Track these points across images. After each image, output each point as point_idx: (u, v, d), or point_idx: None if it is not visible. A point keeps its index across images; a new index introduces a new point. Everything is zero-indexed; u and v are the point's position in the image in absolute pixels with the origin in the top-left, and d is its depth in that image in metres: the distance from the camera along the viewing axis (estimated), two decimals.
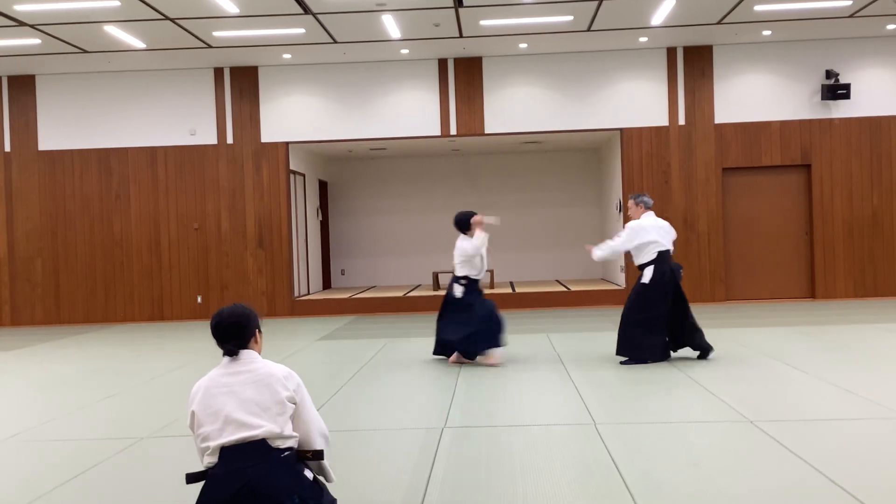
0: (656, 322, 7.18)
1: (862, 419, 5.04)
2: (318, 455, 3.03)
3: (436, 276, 14.22)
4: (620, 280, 13.13)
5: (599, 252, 7.42)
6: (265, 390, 2.90)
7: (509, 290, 13.34)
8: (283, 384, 2.95)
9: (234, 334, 3.00)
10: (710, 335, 8.86)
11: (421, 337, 9.79)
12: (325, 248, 15.71)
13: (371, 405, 5.97)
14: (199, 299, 12.85)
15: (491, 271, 14.22)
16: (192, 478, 2.93)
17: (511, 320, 11.10)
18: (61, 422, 5.78)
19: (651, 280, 7.16)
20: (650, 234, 7.23)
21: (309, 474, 2.94)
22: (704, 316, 10.84)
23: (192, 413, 2.92)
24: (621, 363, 7.26)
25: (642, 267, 7.27)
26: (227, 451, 2.83)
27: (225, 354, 2.99)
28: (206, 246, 12.88)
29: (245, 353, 3.00)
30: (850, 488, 3.69)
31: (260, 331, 3.13)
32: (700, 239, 12.51)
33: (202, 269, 12.88)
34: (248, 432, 2.83)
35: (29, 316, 12.98)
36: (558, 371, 7.04)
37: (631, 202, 7.49)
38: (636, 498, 3.69)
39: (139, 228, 12.92)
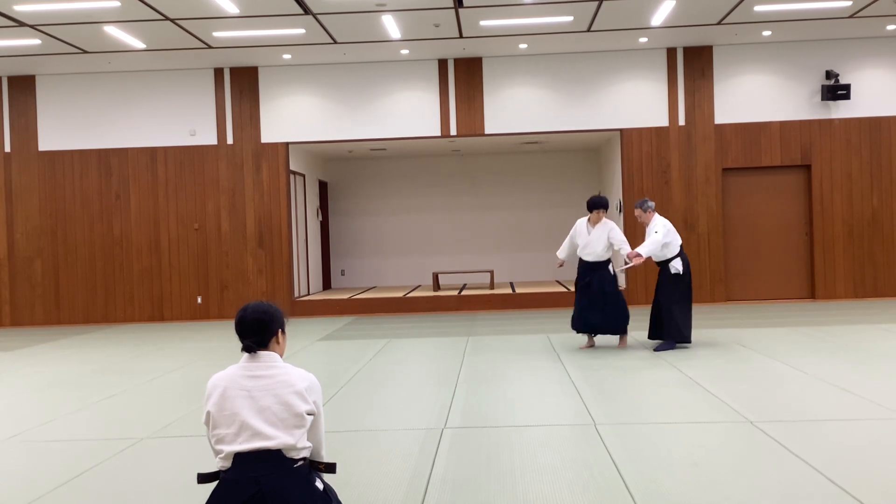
0: (690, 306, 8.12)
1: (862, 419, 5.04)
2: (331, 468, 3.01)
3: (436, 277, 14.21)
4: (620, 280, 13.09)
5: (645, 251, 7.72)
6: (284, 401, 2.85)
7: (509, 291, 13.34)
8: (304, 397, 2.87)
9: (254, 331, 2.93)
10: (710, 335, 8.92)
11: (421, 337, 9.80)
12: (325, 249, 15.71)
13: (371, 405, 5.98)
14: (199, 300, 12.85)
15: (491, 272, 14.24)
16: (203, 478, 2.92)
17: (511, 321, 11.12)
18: (61, 422, 5.78)
19: (683, 270, 7.92)
20: (675, 231, 7.98)
21: (320, 485, 2.93)
22: (705, 316, 10.84)
23: (208, 413, 2.90)
24: (662, 349, 7.89)
25: (668, 261, 7.93)
26: (240, 458, 2.81)
27: (243, 350, 2.96)
28: (206, 246, 12.87)
29: (265, 355, 2.95)
30: (850, 488, 3.69)
31: (283, 332, 3.06)
32: (700, 239, 12.51)
33: (202, 269, 12.88)
34: (264, 442, 2.80)
35: (29, 316, 12.98)
36: (558, 371, 7.04)
37: (639, 211, 8.03)
38: (636, 498, 3.69)
39: (139, 228, 12.91)
